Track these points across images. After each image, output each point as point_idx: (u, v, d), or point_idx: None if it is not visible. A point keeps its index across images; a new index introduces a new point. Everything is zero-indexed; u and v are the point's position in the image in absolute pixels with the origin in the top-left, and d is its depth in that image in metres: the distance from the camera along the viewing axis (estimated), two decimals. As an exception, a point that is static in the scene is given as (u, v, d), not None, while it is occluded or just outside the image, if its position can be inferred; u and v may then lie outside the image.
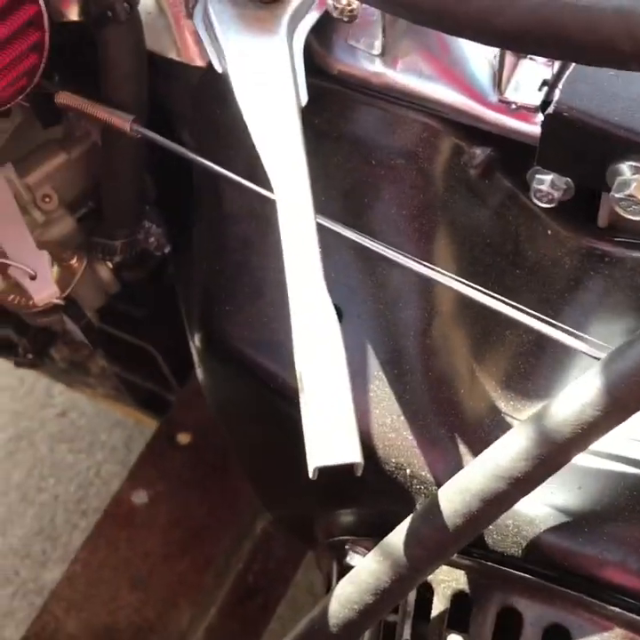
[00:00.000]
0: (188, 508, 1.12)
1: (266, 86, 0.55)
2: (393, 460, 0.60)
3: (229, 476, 1.14)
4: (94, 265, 0.73)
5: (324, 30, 0.62)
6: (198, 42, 0.67)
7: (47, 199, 0.74)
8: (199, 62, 0.68)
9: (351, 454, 0.44)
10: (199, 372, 0.73)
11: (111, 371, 1.27)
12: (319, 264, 0.50)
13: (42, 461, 1.76)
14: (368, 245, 0.58)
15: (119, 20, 0.60)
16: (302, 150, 0.53)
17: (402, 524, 0.53)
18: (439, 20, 0.44)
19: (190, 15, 0.66)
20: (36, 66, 0.60)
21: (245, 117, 0.55)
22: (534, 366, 0.61)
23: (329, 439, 0.44)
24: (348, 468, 0.44)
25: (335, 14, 0.57)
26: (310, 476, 0.45)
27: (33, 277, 0.65)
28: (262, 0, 0.58)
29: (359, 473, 0.44)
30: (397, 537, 0.52)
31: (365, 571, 0.53)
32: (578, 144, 0.53)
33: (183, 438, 1.16)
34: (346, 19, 0.57)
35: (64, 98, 0.65)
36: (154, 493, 1.12)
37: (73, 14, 0.64)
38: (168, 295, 0.97)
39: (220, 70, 0.57)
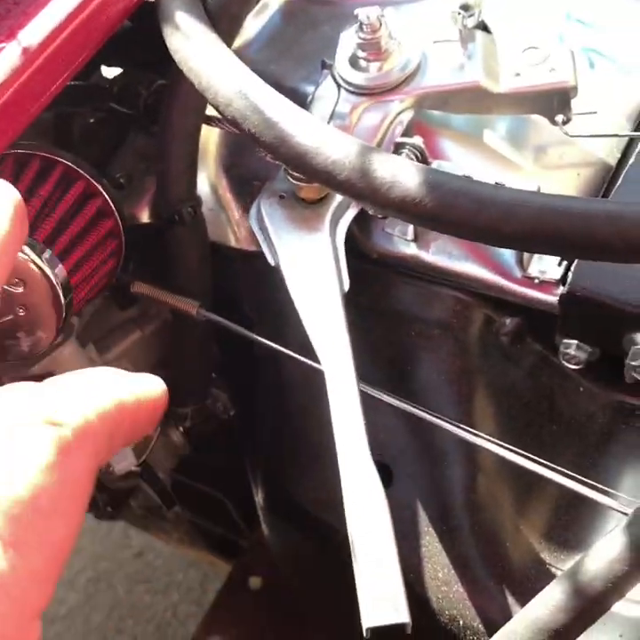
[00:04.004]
0: (261, 654, 1.14)
1: (312, 277, 0.63)
2: (446, 613, 0.64)
3: (303, 622, 1.17)
4: (167, 431, 0.80)
5: (364, 220, 0.69)
6: (253, 232, 0.76)
7: (124, 372, 0.82)
8: (254, 248, 0.77)
9: (400, 615, 0.49)
10: (263, 525, 0.79)
11: (184, 516, 1.33)
12: (363, 432, 0.55)
13: (120, 603, 1.79)
14: (410, 410, 0.64)
15: (184, 223, 0.69)
16: (345, 329, 0.60)
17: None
18: (459, 230, 0.51)
19: (245, 210, 0.76)
20: (114, 268, 0.69)
21: (296, 304, 0.62)
22: (574, 518, 0.65)
23: (379, 601, 0.49)
24: (400, 627, 0.49)
25: (371, 212, 0.65)
26: (364, 635, 0.49)
27: (113, 449, 0.71)
28: (307, 201, 0.66)
29: (408, 631, 0.49)
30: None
31: None
32: (593, 318, 0.59)
33: (255, 582, 1.19)
34: (380, 216, 0.65)
35: (139, 287, 0.74)
36: (228, 638, 1.15)
37: (145, 217, 0.73)
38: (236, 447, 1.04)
39: (272, 263, 0.65)
